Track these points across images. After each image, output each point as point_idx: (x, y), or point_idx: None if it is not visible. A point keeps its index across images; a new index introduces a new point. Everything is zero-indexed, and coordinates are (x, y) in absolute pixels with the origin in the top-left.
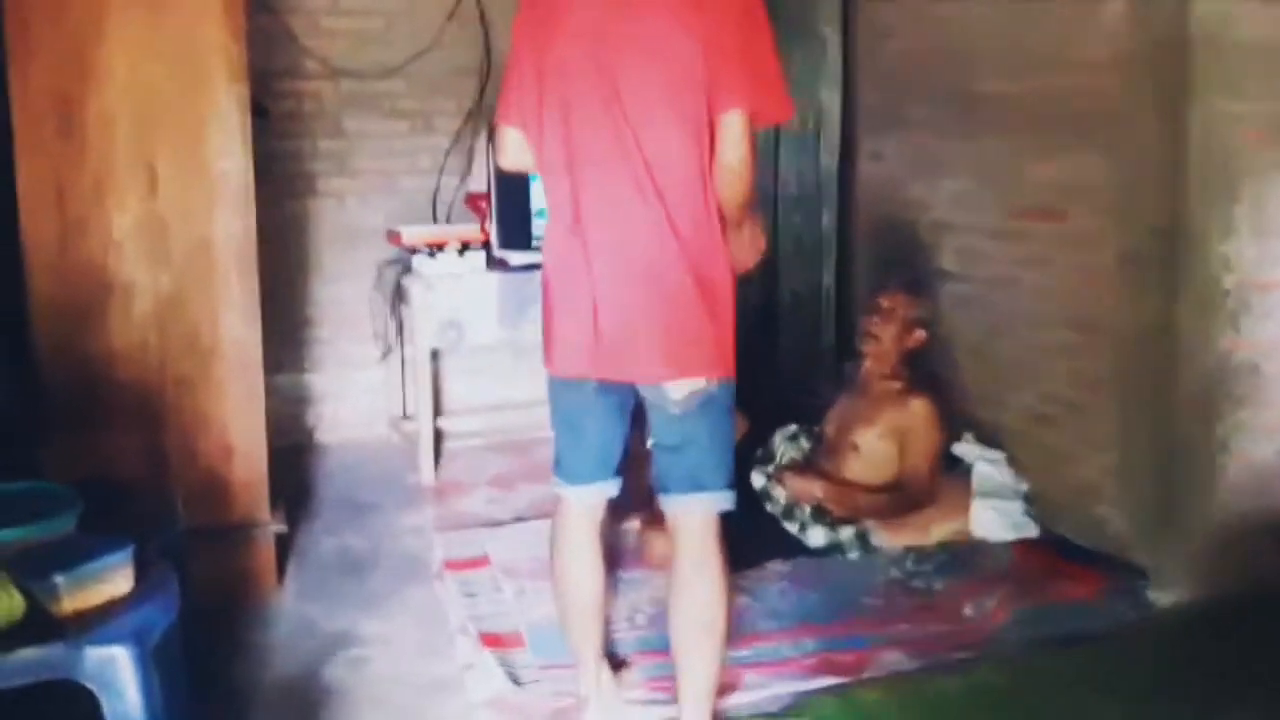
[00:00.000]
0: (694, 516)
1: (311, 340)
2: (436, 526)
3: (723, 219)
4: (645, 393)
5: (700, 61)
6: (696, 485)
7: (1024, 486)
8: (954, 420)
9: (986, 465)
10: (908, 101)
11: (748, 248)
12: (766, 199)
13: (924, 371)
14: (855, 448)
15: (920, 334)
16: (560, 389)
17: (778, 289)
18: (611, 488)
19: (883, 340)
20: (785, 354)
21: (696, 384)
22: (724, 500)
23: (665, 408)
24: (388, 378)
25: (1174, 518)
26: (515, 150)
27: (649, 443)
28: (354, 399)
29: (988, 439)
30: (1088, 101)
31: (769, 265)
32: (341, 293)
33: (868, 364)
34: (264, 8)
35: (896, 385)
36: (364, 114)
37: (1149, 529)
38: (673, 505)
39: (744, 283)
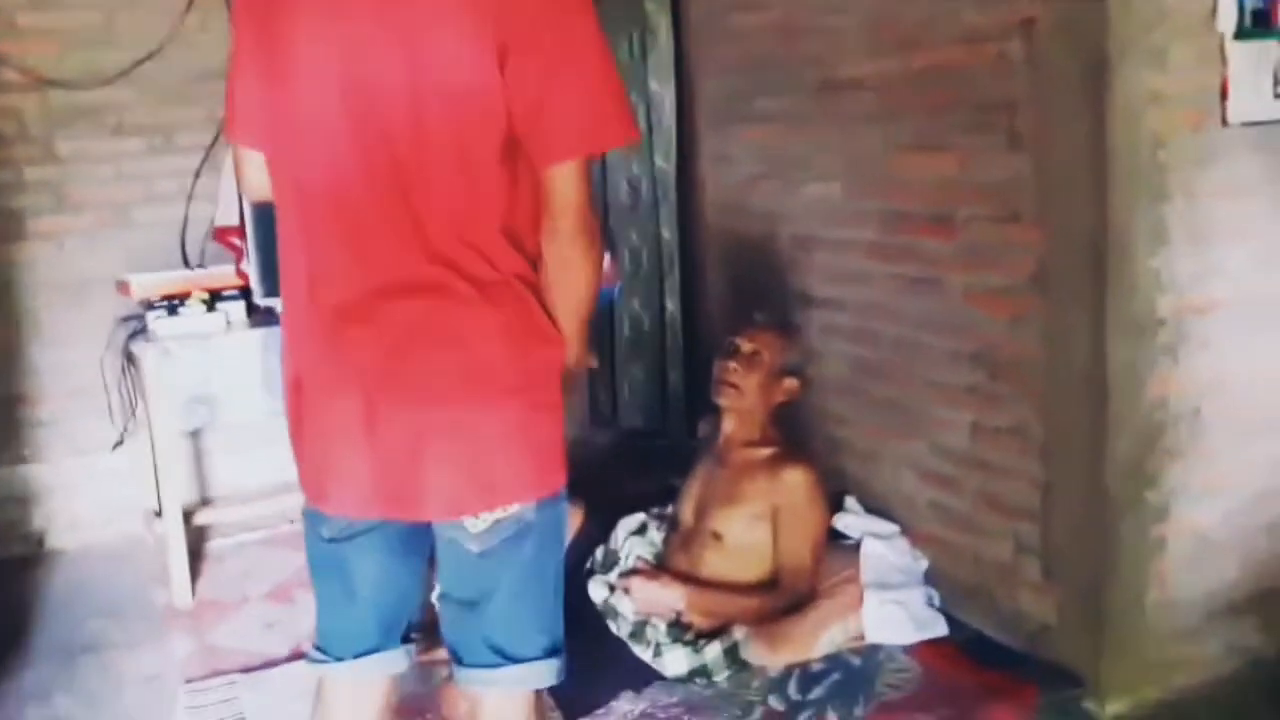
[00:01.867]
0: (500, 700)
1: (31, 422)
2: (184, 672)
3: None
4: (436, 526)
5: (499, 77)
6: (501, 655)
7: (924, 564)
8: (829, 479)
9: (877, 543)
10: (756, 91)
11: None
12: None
13: (793, 428)
14: (717, 536)
15: (791, 384)
16: (319, 525)
17: (612, 317)
18: (398, 660)
19: (745, 393)
20: (626, 402)
21: (507, 510)
22: (543, 674)
23: (460, 545)
24: (136, 461)
25: (1108, 605)
26: (259, 177)
27: (434, 594)
28: (94, 491)
29: (874, 505)
30: (981, 81)
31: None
32: (67, 359)
33: (727, 424)
34: None
35: (764, 452)
36: (83, 132)
37: (1079, 620)
38: (469, 681)
39: None
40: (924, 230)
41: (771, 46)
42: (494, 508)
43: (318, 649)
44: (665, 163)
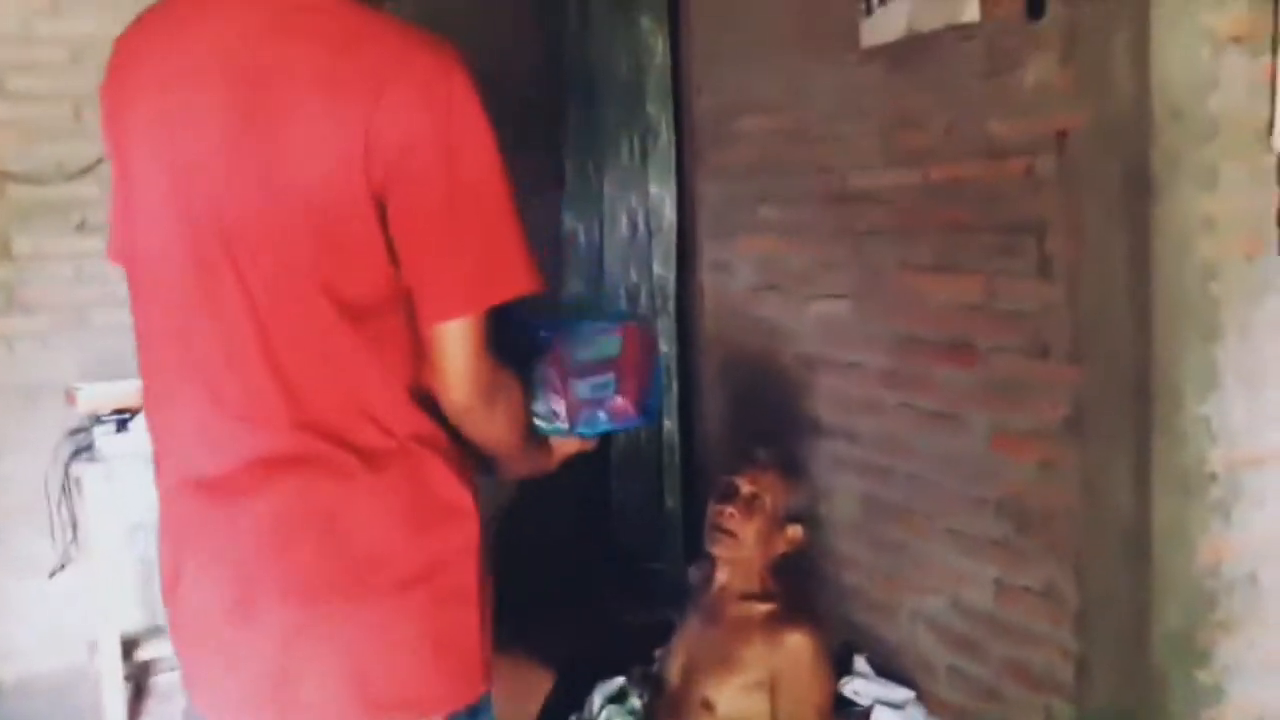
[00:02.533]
0: None
1: None
2: None
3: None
4: None
5: (374, 212)
6: None
7: None
8: (837, 630)
9: (890, 714)
10: (760, 198)
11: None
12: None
13: (797, 575)
14: (709, 706)
15: (795, 532)
16: None
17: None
18: None
19: (743, 542)
20: (620, 526)
21: None
22: None
23: None
24: (83, 584)
25: None
26: None
27: None
28: (36, 616)
29: (887, 665)
30: (1008, 199)
31: None
32: (10, 471)
33: (722, 574)
34: None
35: (762, 609)
36: (42, 229)
37: None
38: None
39: None
40: (943, 358)
41: (778, 151)
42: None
43: None
44: (664, 269)
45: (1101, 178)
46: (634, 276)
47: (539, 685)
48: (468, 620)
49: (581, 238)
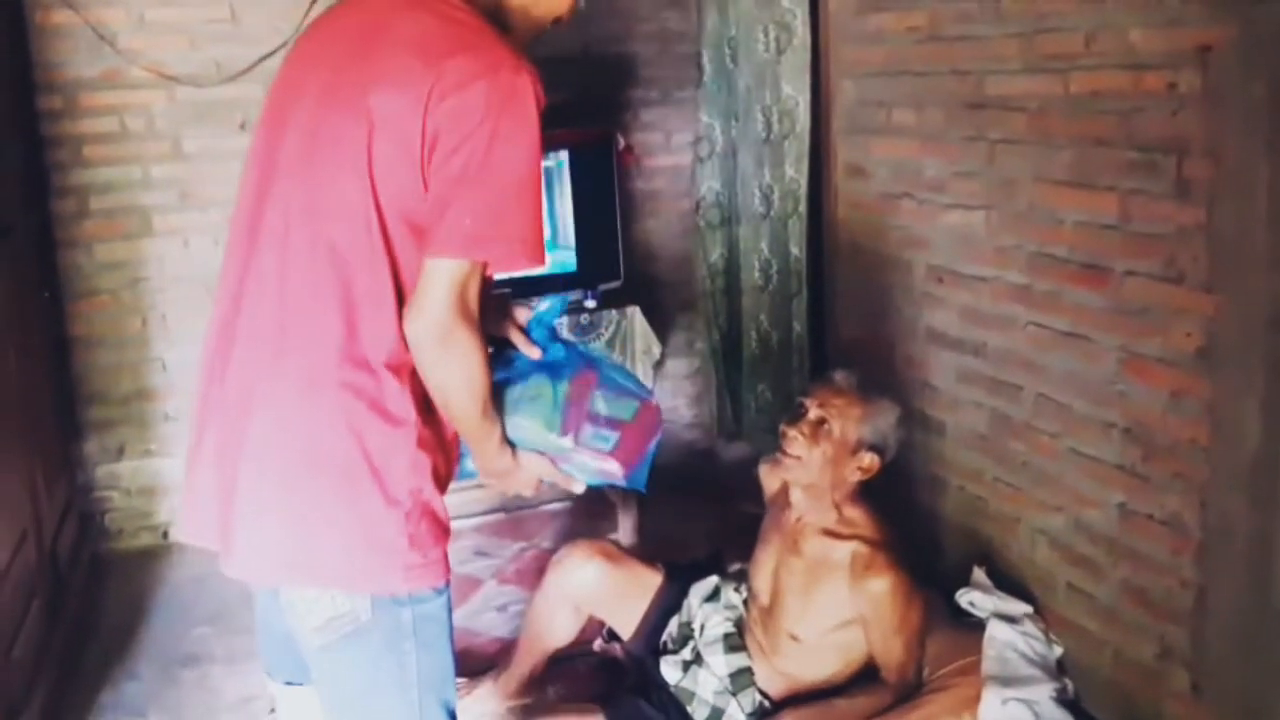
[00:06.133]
0: None
1: (158, 417)
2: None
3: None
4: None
5: (374, 148)
6: None
7: (1058, 652)
8: (948, 554)
9: (1005, 628)
10: (895, 100)
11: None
12: (724, 216)
13: (875, 506)
14: (795, 639)
15: (869, 460)
16: None
17: (740, 326)
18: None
19: (807, 465)
20: (751, 419)
21: (337, 605)
22: None
23: (302, 634)
24: None
25: None
26: None
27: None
28: None
29: (1005, 578)
30: (1147, 115)
31: (732, 295)
32: (189, 358)
33: (797, 502)
34: (63, 1)
35: (843, 548)
36: (208, 130)
37: None
38: None
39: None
40: (1075, 278)
41: (913, 53)
42: (311, 585)
43: None
44: (796, 172)
45: (1245, 97)
46: (767, 177)
47: (650, 580)
48: (395, 519)
49: (718, 134)
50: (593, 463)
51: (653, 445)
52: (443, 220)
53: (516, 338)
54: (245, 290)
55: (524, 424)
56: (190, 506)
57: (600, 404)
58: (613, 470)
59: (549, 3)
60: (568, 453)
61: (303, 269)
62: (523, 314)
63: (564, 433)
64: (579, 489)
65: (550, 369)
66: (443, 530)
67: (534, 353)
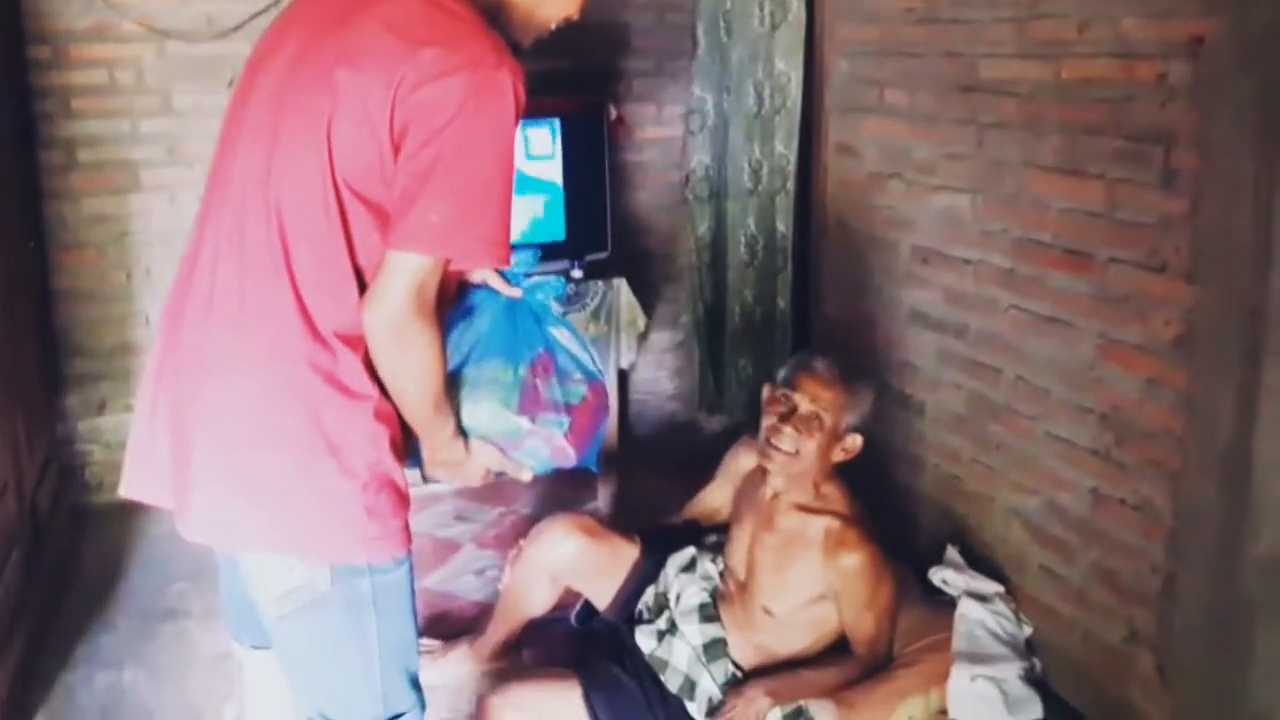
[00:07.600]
0: None
1: (141, 371)
2: None
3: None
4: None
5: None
6: None
7: (1027, 631)
8: (923, 532)
9: (976, 606)
10: (887, 80)
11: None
12: (713, 190)
13: (848, 483)
14: (769, 613)
15: (855, 441)
16: None
17: (725, 300)
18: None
19: (801, 458)
20: (733, 393)
21: (296, 576)
22: None
23: (262, 604)
24: None
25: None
26: None
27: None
28: None
29: (978, 557)
30: (1137, 105)
31: (717, 269)
32: None
33: (777, 482)
34: None
35: (818, 523)
36: (198, 85)
37: None
38: None
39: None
40: (1059, 264)
41: (908, 33)
42: (268, 551)
43: None
44: (785, 148)
45: (1235, 91)
46: (756, 152)
47: (627, 551)
48: (352, 491)
49: (709, 107)
50: (546, 446)
51: (602, 426)
52: (409, 214)
53: (494, 280)
54: (201, 251)
55: (482, 403)
56: (140, 463)
57: (556, 390)
58: (566, 452)
59: (556, 3)
60: (522, 436)
61: (257, 235)
62: None
63: (521, 412)
64: (527, 477)
65: (508, 352)
66: (402, 500)
67: (514, 292)
